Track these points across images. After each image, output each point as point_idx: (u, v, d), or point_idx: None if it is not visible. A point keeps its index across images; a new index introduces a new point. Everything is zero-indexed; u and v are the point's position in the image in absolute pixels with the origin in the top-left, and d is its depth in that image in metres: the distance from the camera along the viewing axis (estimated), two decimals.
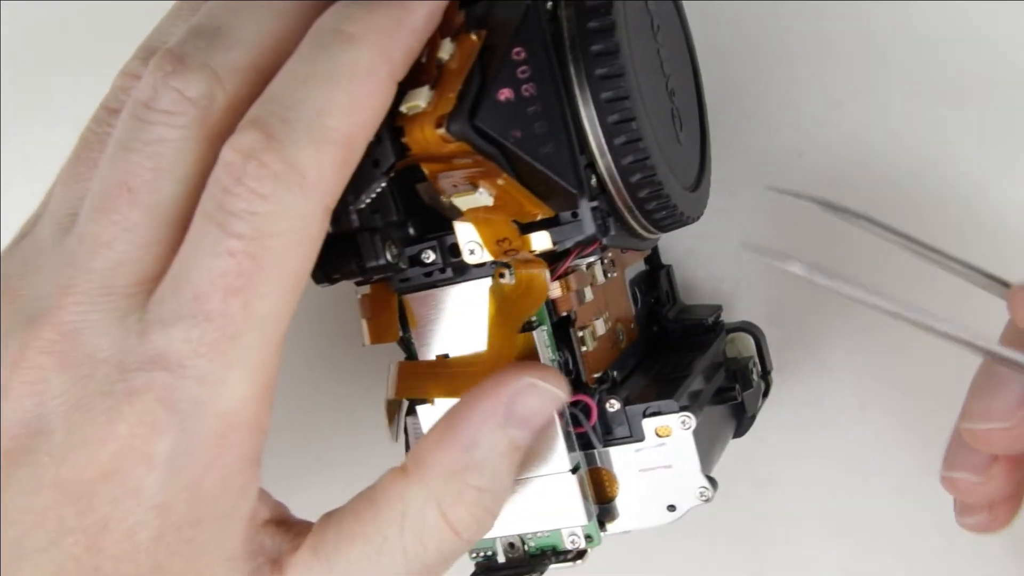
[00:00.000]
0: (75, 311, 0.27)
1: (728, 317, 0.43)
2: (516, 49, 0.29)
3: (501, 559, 0.35)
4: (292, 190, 0.26)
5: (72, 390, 0.26)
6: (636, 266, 0.42)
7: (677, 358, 0.39)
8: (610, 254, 0.38)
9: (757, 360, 0.42)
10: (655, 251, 0.43)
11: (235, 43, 0.28)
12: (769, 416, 0.42)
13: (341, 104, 0.26)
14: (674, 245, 0.44)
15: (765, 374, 0.42)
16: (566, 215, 0.31)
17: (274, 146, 0.25)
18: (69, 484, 0.26)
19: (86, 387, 0.26)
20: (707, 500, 0.33)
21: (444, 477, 0.29)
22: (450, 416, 0.30)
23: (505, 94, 0.29)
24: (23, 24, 0.49)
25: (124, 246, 0.27)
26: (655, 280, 0.42)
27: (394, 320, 0.34)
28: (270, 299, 0.26)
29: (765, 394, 0.42)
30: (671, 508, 0.34)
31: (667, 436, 0.33)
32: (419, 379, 0.34)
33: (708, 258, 0.44)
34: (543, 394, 0.30)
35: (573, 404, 0.34)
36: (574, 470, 0.33)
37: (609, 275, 0.37)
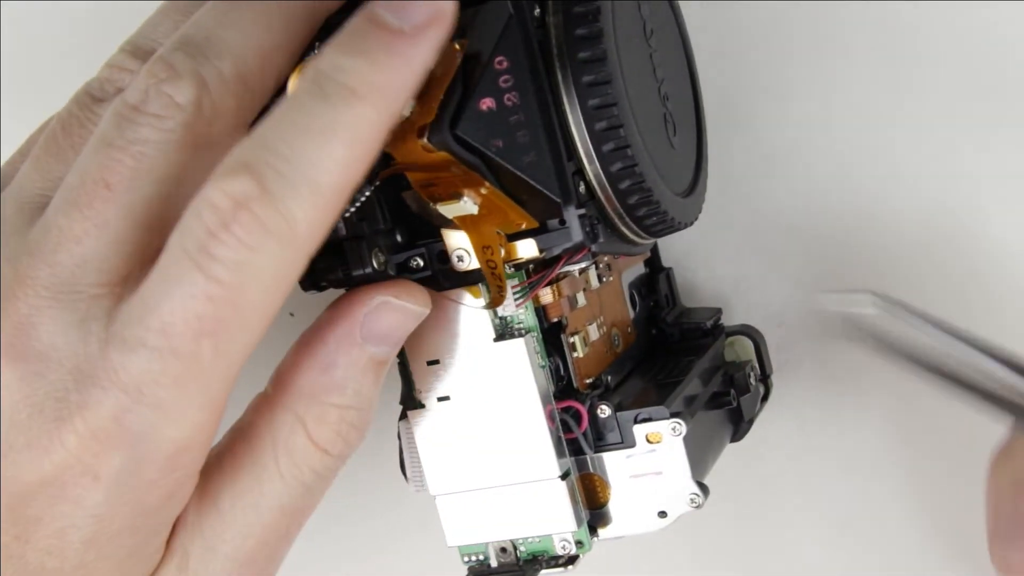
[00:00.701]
0: (31, 303, 0.26)
1: (728, 318, 0.43)
2: (498, 58, 0.29)
3: (493, 564, 0.35)
4: (281, 243, 0.25)
5: (18, 385, 0.26)
6: (635, 269, 0.41)
7: (675, 362, 0.38)
8: (605, 259, 0.37)
9: (756, 364, 0.41)
10: (655, 254, 0.43)
11: (224, 53, 0.28)
12: (769, 416, 0.42)
13: (338, 160, 0.25)
14: (674, 245, 0.44)
15: (764, 378, 0.41)
16: (553, 222, 0.30)
17: (267, 199, 0.24)
18: (5, 481, 0.26)
19: (35, 386, 0.26)
20: (698, 507, 0.33)
21: (306, 399, 0.29)
22: (308, 337, 0.30)
23: (487, 103, 0.29)
24: (23, 24, 0.50)
25: (94, 243, 0.26)
26: (655, 283, 0.42)
27: None
28: (241, 342, 0.26)
29: (765, 398, 0.41)
30: (662, 514, 0.34)
31: (658, 442, 0.33)
32: None
33: (708, 258, 0.44)
34: (398, 311, 0.30)
35: (564, 410, 0.34)
36: (564, 476, 0.33)
37: (604, 279, 0.37)
